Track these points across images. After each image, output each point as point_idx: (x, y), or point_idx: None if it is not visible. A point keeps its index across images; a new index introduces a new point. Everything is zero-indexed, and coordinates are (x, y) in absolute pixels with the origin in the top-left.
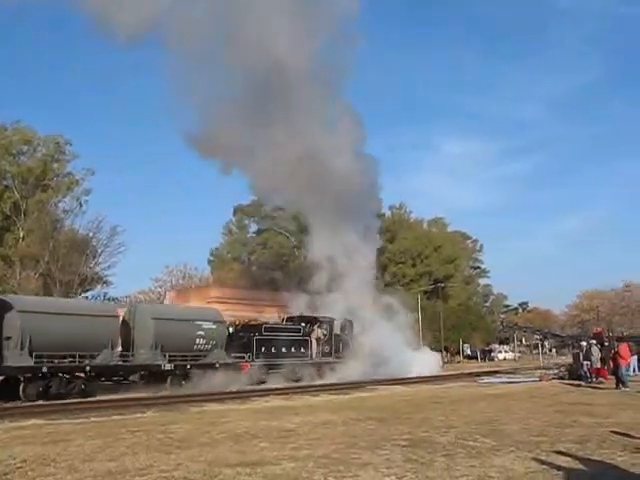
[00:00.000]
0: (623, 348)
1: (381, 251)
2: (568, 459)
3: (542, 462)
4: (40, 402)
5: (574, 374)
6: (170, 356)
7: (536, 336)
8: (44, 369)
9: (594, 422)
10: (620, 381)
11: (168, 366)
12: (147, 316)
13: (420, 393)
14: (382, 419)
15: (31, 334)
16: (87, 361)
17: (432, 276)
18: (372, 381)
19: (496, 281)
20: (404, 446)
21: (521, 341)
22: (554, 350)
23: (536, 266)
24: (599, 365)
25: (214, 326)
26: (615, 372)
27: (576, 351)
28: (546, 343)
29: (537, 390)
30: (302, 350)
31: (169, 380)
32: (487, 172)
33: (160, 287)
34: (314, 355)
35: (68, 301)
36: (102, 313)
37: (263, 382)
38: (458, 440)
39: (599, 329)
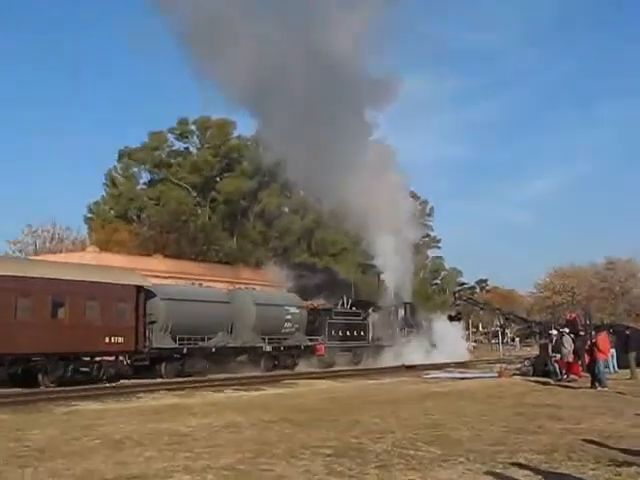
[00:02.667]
0: (602, 339)
1: (304, 213)
2: (529, 473)
3: (498, 476)
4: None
5: (540, 369)
6: (269, 339)
7: (496, 322)
8: (184, 350)
9: (562, 428)
10: (597, 379)
11: (268, 348)
12: (249, 302)
13: (350, 390)
14: (301, 422)
15: (172, 319)
16: (209, 343)
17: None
18: (294, 374)
19: (449, 253)
20: (328, 455)
21: (477, 328)
22: (517, 340)
23: (499, 237)
24: (571, 359)
25: (297, 311)
26: (591, 368)
27: (544, 341)
28: (508, 331)
29: (495, 388)
30: (362, 334)
31: (263, 361)
32: (440, 118)
33: (20, 251)
34: (371, 339)
35: (194, 288)
36: (219, 299)
37: (333, 364)
38: (395, 448)
39: (573, 315)
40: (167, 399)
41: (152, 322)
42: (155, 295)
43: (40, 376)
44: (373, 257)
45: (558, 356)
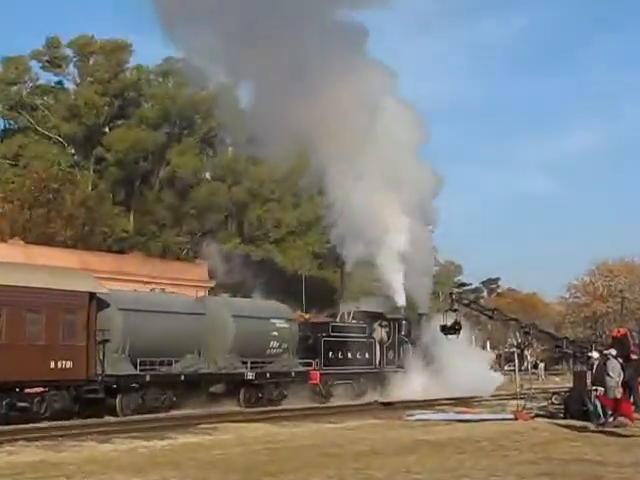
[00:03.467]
0: None
1: (234, 179)
2: None
3: None
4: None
5: (575, 409)
6: (251, 363)
7: (511, 339)
8: (147, 378)
9: None
10: None
11: (250, 375)
12: (226, 313)
13: (300, 438)
14: None
15: (132, 336)
16: (176, 368)
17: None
18: (218, 415)
19: (444, 242)
20: None
21: (484, 347)
22: (541, 365)
23: (514, 217)
24: (620, 394)
25: (286, 325)
26: None
27: (581, 368)
28: (528, 353)
29: (509, 436)
30: (366, 356)
31: (243, 392)
32: (435, 39)
33: None
34: (377, 363)
35: (157, 295)
36: (190, 310)
37: (329, 397)
38: None
39: (622, 331)
40: (29, 454)
41: (105, 341)
42: (109, 305)
43: None
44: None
45: (601, 390)
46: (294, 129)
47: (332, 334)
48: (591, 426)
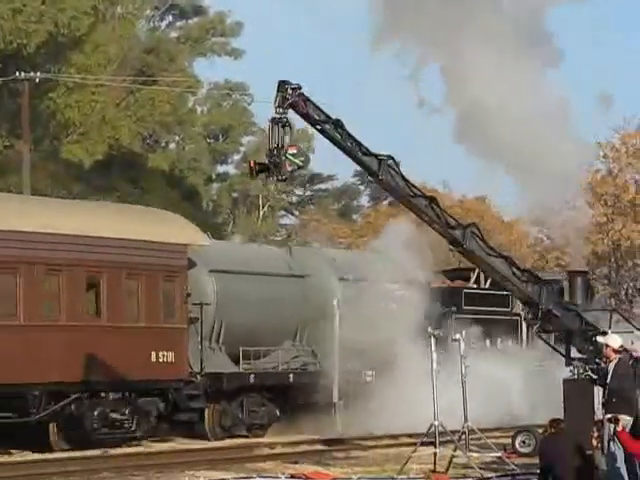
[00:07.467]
0: None
1: None
2: None
3: None
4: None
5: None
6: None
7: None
8: (251, 379)
9: None
10: None
11: (369, 375)
12: (331, 274)
13: None
14: None
15: (227, 316)
16: (273, 361)
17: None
18: None
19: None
20: None
21: None
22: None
23: None
24: None
25: (411, 294)
26: None
27: (581, 370)
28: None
29: None
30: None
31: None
32: None
33: None
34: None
35: (246, 248)
36: (288, 270)
37: None
38: None
39: None
40: None
41: (194, 320)
42: (195, 264)
43: (53, 434)
44: None
45: (624, 421)
46: None
47: (465, 308)
48: None
